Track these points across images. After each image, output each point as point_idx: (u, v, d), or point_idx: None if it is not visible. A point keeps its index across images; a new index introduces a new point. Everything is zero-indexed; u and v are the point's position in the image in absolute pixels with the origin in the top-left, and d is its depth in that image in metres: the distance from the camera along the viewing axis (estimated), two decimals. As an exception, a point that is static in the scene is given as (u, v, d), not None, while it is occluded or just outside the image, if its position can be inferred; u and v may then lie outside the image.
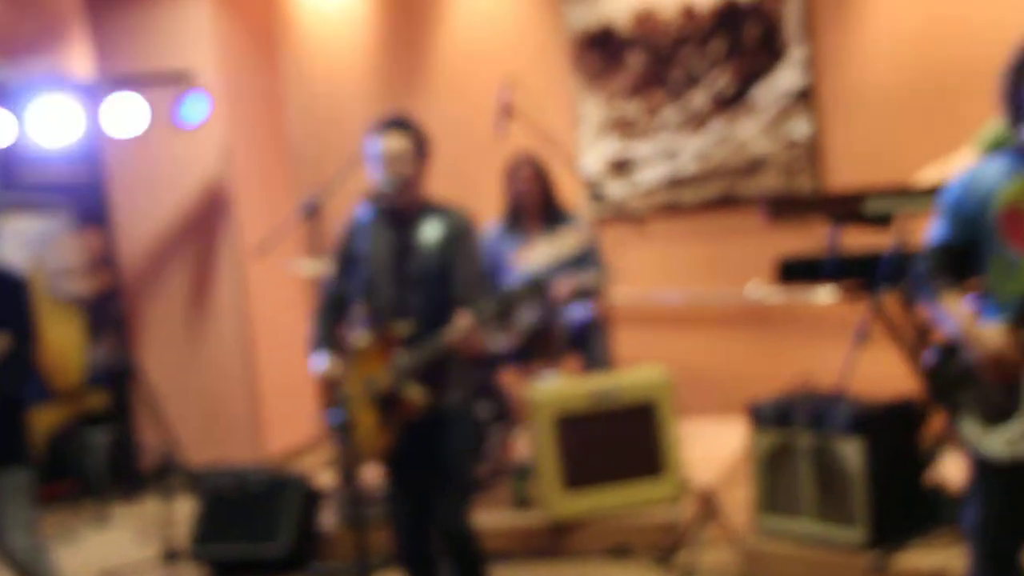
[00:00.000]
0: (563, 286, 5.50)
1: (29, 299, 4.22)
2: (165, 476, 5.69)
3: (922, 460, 4.29)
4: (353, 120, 7.43)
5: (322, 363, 3.92)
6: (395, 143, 3.85)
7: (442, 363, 3.82)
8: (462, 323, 3.70)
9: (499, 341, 5.43)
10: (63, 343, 7.11)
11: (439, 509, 3.90)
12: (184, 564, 5.35)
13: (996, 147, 4.02)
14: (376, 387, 3.85)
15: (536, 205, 5.74)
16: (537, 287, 3.73)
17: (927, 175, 4.56)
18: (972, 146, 4.37)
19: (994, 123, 4.13)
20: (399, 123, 3.91)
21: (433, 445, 3.89)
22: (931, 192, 3.99)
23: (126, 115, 6.62)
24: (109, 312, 7.35)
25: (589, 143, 6.96)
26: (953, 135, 4.74)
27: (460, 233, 3.90)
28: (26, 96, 6.48)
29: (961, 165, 4.15)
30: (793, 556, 4.30)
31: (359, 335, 3.95)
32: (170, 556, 5.30)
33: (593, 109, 6.94)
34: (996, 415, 2.95)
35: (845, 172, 6.07)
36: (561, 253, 5.44)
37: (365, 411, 3.88)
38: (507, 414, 5.55)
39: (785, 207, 4.83)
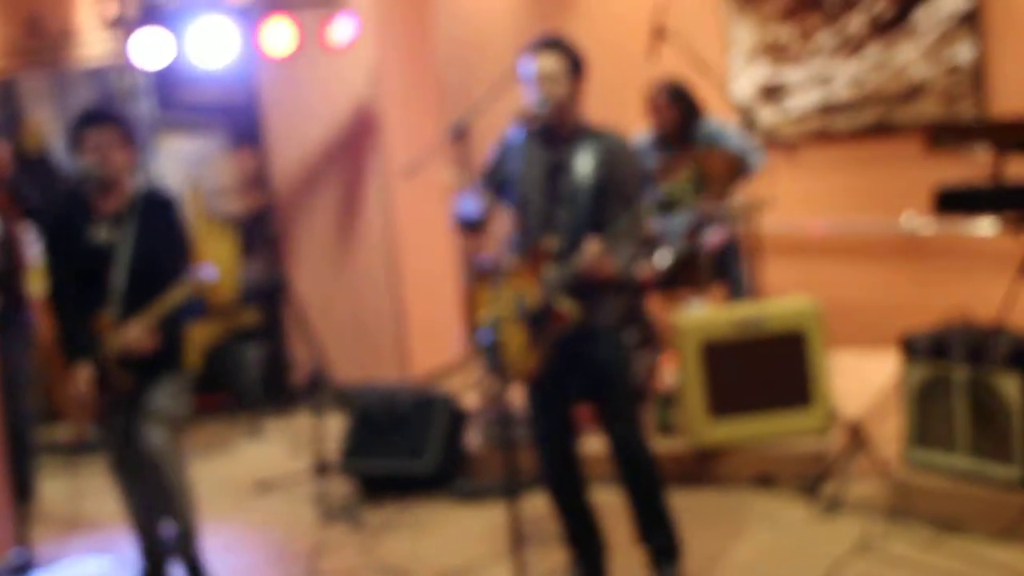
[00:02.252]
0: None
1: (181, 217, 4.36)
2: (315, 392, 5.84)
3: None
4: (501, 41, 7.43)
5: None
6: (548, 63, 3.81)
7: (591, 285, 3.81)
8: (591, 249, 3.67)
9: (645, 268, 5.41)
10: (218, 260, 7.29)
11: (611, 430, 3.92)
12: (334, 477, 5.50)
13: None
14: (526, 304, 3.83)
15: (674, 132, 5.69)
16: (697, 190, 3.65)
17: None
18: None
19: None
20: (552, 43, 3.86)
21: (584, 366, 3.89)
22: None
23: (279, 36, 6.74)
24: (262, 231, 7.53)
25: (740, 68, 6.83)
26: None
27: (616, 155, 3.85)
28: (183, 19, 6.63)
29: None
30: (945, 491, 4.23)
31: (508, 257, 3.95)
32: (320, 469, 5.45)
33: (745, 33, 6.79)
34: None
35: (1012, 98, 5.84)
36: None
37: (514, 330, 3.87)
38: (653, 340, 5.55)
39: (948, 134, 4.70)
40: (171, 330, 4.28)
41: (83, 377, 4.18)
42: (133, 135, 4.32)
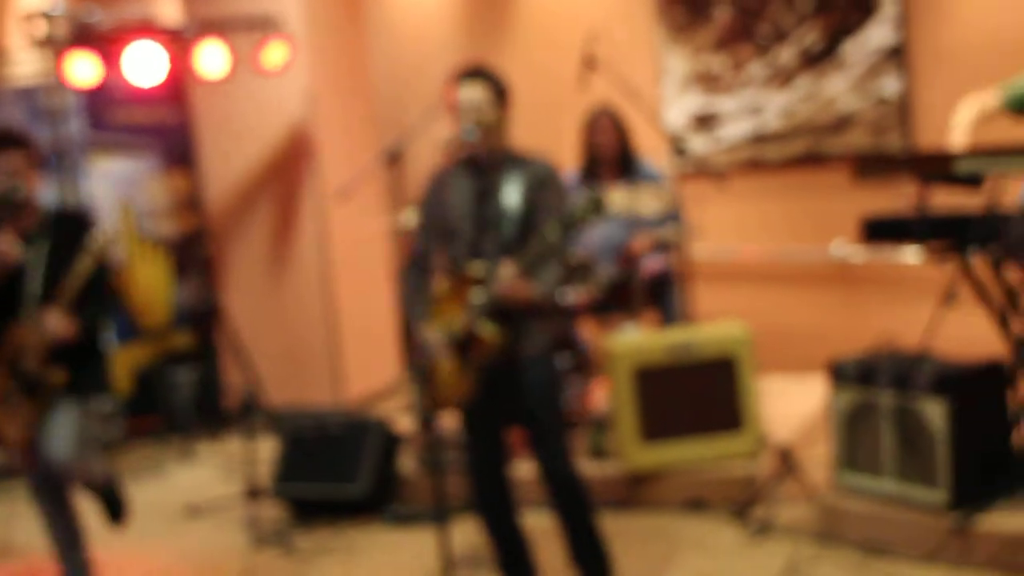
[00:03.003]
0: (641, 241, 5.50)
1: (94, 231, 4.32)
2: (248, 416, 5.80)
3: (1008, 423, 4.25)
4: (436, 68, 7.45)
5: (433, 338, 3.89)
6: (474, 92, 3.83)
7: (516, 313, 3.82)
8: (505, 274, 3.70)
9: (577, 293, 5.45)
10: (150, 283, 7.26)
11: (540, 455, 3.93)
12: (266, 501, 5.46)
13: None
14: (452, 329, 3.85)
15: (613, 157, 5.74)
16: (596, 205, 3.68)
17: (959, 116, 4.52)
18: (997, 90, 4.36)
19: None
20: (478, 72, 3.88)
21: (514, 393, 3.90)
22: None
23: (213, 59, 6.73)
24: (195, 253, 7.48)
25: (672, 97, 6.92)
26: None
27: (543, 182, 3.87)
28: (115, 38, 6.58)
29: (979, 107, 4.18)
30: (872, 514, 4.30)
31: (437, 282, 3.97)
32: (252, 494, 5.41)
33: (677, 63, 6.89)
34: None
35: (936, 130, 5.95)
36: (637, 209, 5.45)
37: (444, 356, 3.91)
38: (585, 366, 5.58)
39: (874, 165, 4.78)
40: (90, 352, 4.25)
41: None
42: (40, 156, 4.33)
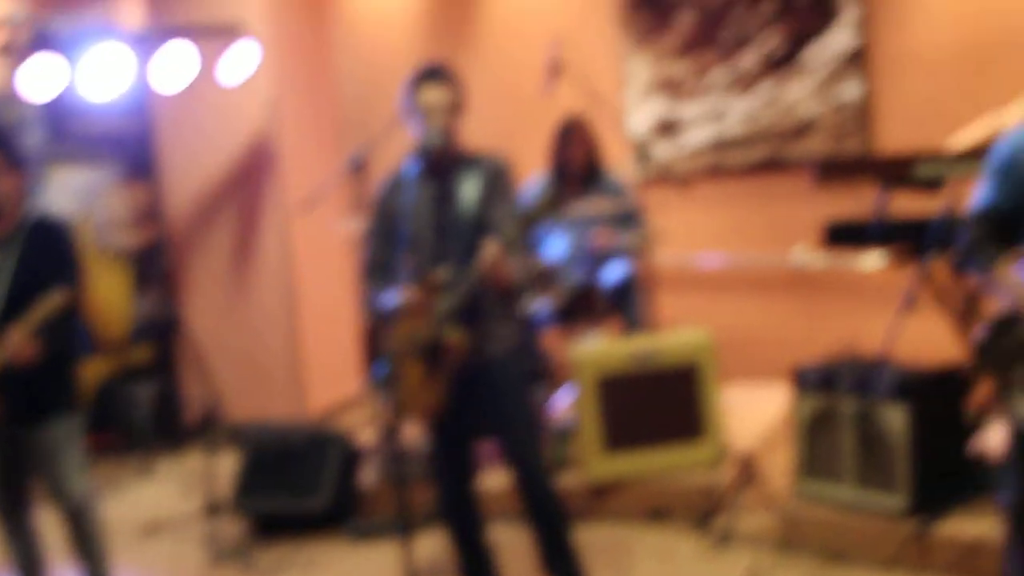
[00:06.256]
0: (602, 235, 5.47)
1: (74, 246, 4.21)
2: (208, 430, 5.73)
3: (966, 429, 4.23)
4: (401, 76, 7.31)
5: (394, 299, 3.82)
6: (437, 94, 3.80)
7: (482, 312, 3.78)
8: (490, 250, 3.60)
9: (541, 302, 5.42)
10: (110, 295, 7.17)
11: (515, 466, 3.87)
12: (226, 517, 5.40)
13: None
14: (419, 337, 3.79)
15: (581, 170, 5.71)
16: (553, 203, 3.65)
17: (966, 136, 4.46)
18: (1019, 105, 4.29)
19: None
20: (438, 73, 3.85)
21: (483, 400, 3.86)
22: (984, 156, 3.90)
23: (175, 67, 6.64)
24: (155, 265, 7.40)
25: (636, 103, 6.89)
26: (1011, 98, 4.62)
27: (496, 176, 3.85)
28: (76, 46, 6.48)
29: (1006, 124, 4.09)
30: (832, 522, 4.28)
31: (402, 291, 3.91)
32: (213, 509, 5.34)
33: (641, 69, 6.86)
34: None
35: (896, 135, 5.96)
36: (596, 213, 5.44)
37: (412, 366, 3.83)
38: (548, 375, 5.54)
39: (834, 170, 4.78)
40: (61, 364, 4.15)
41: None
42: (18, 158, 4.14)
